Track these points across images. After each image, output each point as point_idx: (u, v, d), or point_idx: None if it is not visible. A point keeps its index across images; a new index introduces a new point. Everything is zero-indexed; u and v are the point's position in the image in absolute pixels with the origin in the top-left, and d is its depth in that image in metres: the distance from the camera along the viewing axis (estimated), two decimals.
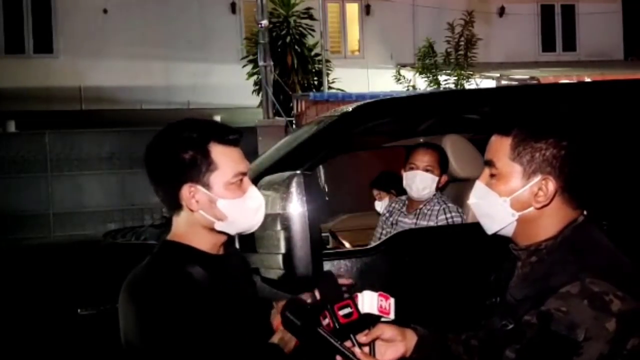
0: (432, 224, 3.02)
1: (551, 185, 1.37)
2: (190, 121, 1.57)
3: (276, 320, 1.68)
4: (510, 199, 1.40)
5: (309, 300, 1.80)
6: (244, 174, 1.56)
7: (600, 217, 1.54)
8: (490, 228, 1.45)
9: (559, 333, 1.23)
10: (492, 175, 1.44)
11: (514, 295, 1.38)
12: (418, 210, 3.13)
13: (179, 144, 1.50)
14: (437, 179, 3.10)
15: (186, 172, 1.50)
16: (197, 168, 1.49)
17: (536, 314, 1.27)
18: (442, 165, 3.13)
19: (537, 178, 1.38)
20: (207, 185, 1.50)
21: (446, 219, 3.00)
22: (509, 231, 1.43)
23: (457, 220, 2.99)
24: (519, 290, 1.38)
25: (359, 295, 1.58)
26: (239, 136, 1.57)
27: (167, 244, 1.57)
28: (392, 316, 1.59)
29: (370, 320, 1.56)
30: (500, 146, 1.42)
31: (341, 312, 1.54)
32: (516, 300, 1.37)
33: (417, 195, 3.11)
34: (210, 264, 1.55)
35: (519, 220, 1.40)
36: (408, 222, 3.15)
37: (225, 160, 1.51)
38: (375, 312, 1.56)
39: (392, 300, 1.60)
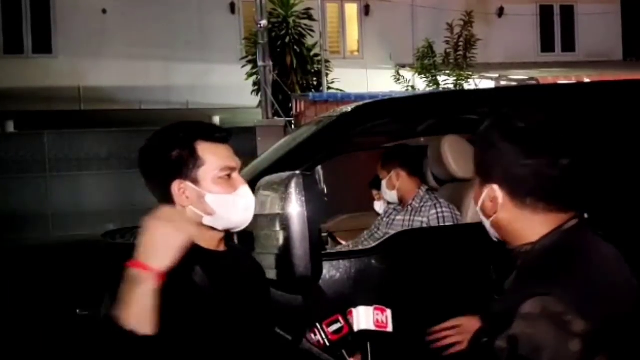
0: (424, 219, 3.12)
1: (496, 193, 1.36)
2: (179, 123, 1.62)
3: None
4: (479, 209, 1.43)
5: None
6: (232, 168, 1.58)
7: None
8: (490, 234, 1.47)
9: (525, 357, 1.19)
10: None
11: (503, 305, 1.34)
12: (409, 207, 3.26)
13: (166, 144, 1.56)
14: (395, 182, 3.30)
15: (175, 169, 1.54)
16: (185, 165, 1.54)
17: (506, 338, 1.23)
18: (389, 163, 3.35)
19: (488, 186, 1.38)
20: (195, 181, 1.54)
21: (436, 213, 3.08)
22: (494, 236, 1.45)
23: (447, 215, 3.06)
24: (504, 302, 1.34)
25: (354, 310, 1.55)
26: (226, 134, 1.60)
27: None
28: (389, 329, 1.56)
29: (364, 334, 1.54)
30: (474, 157, 1.45)
31: (330, 329, 1.52)
32: (500, 312, 1.33)
33: (391, 200, 3.39)
34: (209, 260, 1.56)
35: (494, 226, 1.41)
36: (400, 218, 3.28)
37: (212, 155, 1.55)
38: (372, 327, 1.53)
39: (389, 312, 1.57)
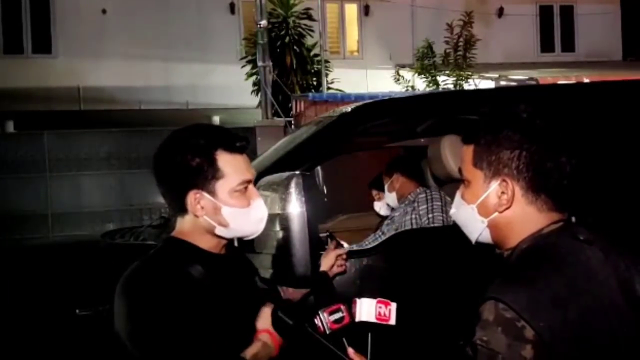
0: (422, 208, 3.23)
1: (510, 187, 1.35)
2: (198, 127, 1.61)
3: (260, 323, 1.61)
4: (476, 206, 1.39)
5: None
6: (249, 181, 1.58)
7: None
8: (470, 237, 1.44)
9: None
10: (464, 184, 1.44)
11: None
12: (406, 200, 3.39)
13: (186, 151, 1.54)
14: (396, 185, 3.47)
15: (192, 178, 1.53)
16: (203, 175, 1.53)
17: (469, 345, 1.24)
18: (391, 170, 3.51)
19: (497, 181, 1.36)
20: (212, 193, 1.54)
21: (426, 199, 3.24)
22: (486, 238, 1.42)
23: (437, 205, 3.19)
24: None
25: (357, 301, 1.55)
26: (245, 143, 1.59)
27: (171, 240, 1.61)
28: (392, 322, 1.56)
29: (366, 324, 1.54)
30: (466, 154, 1.42)
31: (332, 318, 1.53)
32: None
33: (391, 202, 3.55)
34: (211, 262, 1.57)
35: (490, 226, 1.39)
36: (397, 214, 3.36)
37: (231, 168, 1.55)
38: (373, 320, 1.53)
39: (393, 306, 1.56)
